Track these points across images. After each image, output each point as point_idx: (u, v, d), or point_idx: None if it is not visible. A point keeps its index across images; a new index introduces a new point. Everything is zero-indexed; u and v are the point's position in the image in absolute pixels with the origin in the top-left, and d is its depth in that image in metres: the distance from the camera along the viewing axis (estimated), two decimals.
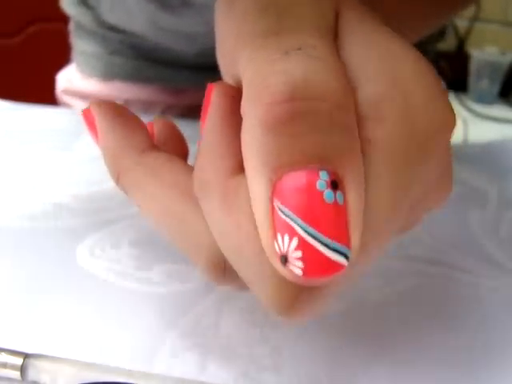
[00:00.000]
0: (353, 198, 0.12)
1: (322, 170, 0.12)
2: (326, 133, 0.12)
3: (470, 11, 1.35)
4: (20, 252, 0.27)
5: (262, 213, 0.12)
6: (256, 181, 0.13)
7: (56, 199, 0.32)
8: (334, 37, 0.15)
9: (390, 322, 0.23)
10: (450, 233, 0.30)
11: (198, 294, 0.24)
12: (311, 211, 0.12)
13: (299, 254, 0.12)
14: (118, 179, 0.17)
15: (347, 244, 0.12)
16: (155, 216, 0.17)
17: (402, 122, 0.14)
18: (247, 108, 0.13)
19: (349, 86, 0.14)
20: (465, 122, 1.21)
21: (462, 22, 1.42)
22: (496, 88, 1.41)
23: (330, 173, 0.12)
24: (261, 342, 0.22)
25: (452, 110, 0.15)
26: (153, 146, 0.17)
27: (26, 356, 0.19)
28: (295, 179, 0.12)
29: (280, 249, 0.12)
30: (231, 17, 0.16)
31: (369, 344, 0.22)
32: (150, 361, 0.21)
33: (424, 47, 0.56)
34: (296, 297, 0.13)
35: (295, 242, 0.12)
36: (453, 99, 1.32)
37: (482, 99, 1.40)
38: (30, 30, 1.25)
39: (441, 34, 0.56)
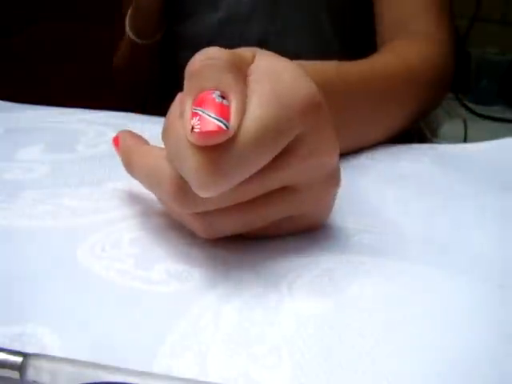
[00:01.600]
0: (234, 105, 0.23)
1: (216, 91, 0.23)
2: (219, 74, 0.23)
3: (470, 11, 1.35)
4: (20, 252, 0.27)
5: (187, 112, 0.23)
6: (187, 101, 0.23)
7: (56, 199, 0.32)
8: (246, 63, 0.25)
9: (388, 321, 0.23)
10: (449, 233, 0.30)
11: (197, 294, 0.24)
12: (208, 105, 0.22)
13: (199, 122, 0.22)
14: (127, 165, 0.29)
15: (228, 121, 0.22)
16: (140, 177, 0.28)
17: (272, 84, 0.24)
18: (185, 78, 0.24)
19: (241, 63, 0.25)
20: (464, 122, 1.21)
21: (461, 22, 1.42)
22: (496, 88, 1.41)
23: (221, 92, 0.23)
24: (260, 341, 0.22)
25: (316, 92, 0.25)
26: (147, 144, 0.29)
27: (25, 355, 0.19)
28: (202, 95, 0.23)
29: (192, 124, 0.22)
30: None
31: (363, 341, 0.22)
32: (150, 361, 0.21)
33: None
34: (208, 163, 0.22)
35: (198, 118, 0.22)
36: (452, 99, 1.32)
37: (481, 99, 1.39)
38: (30, 29, 1.25)
39: None
